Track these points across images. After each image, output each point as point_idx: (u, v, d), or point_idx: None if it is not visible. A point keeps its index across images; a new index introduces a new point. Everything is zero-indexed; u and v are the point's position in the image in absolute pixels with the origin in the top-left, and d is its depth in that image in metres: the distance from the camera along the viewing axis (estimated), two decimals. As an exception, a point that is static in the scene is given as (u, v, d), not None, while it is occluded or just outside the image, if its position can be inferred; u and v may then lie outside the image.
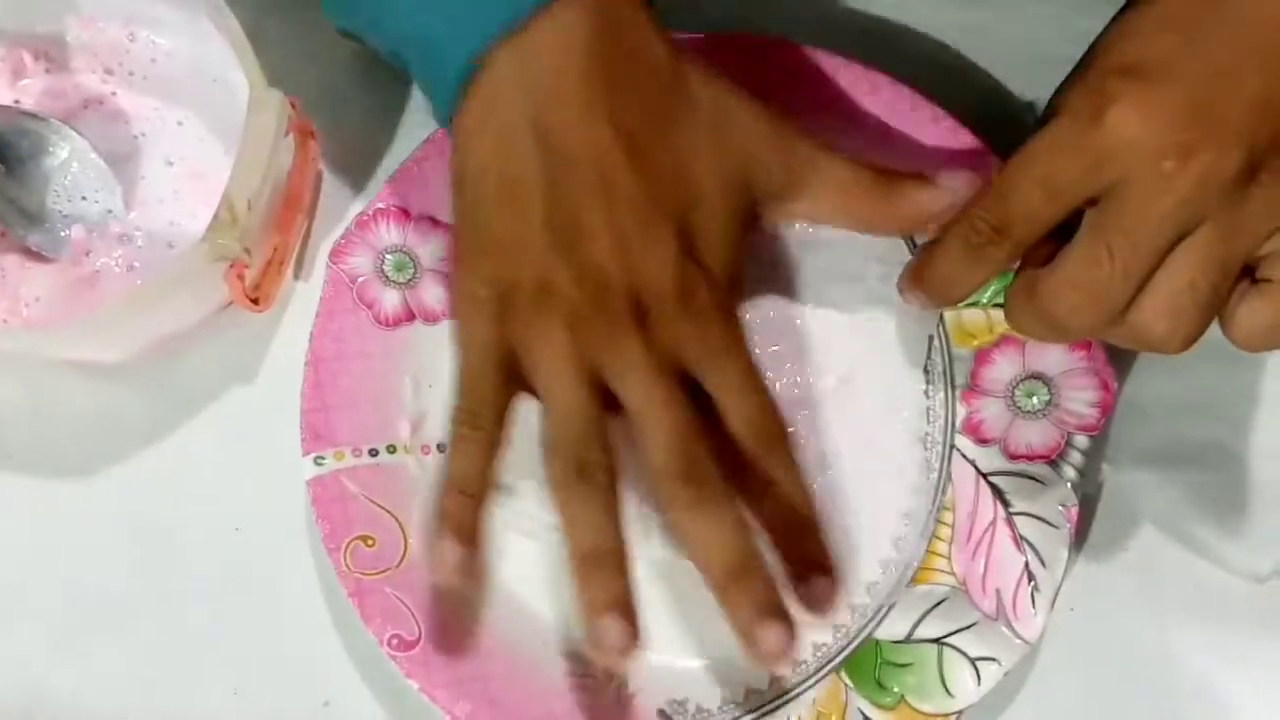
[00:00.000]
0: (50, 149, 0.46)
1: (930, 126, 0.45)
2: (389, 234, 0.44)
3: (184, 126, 0.47)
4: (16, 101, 0.47)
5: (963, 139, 0.44)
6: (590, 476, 0.36)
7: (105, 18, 0.47)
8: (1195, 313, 0.34)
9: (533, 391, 0.38)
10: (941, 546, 0.42)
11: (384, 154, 0.48)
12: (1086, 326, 0.35)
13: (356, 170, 0.48)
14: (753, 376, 0.38)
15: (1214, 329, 0.36)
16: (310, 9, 0.44)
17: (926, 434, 0.43)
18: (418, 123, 0.48)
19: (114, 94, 0.48)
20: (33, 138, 0.46)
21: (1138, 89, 0.33)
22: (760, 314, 0.44)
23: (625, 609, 0.35)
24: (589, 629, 0.35)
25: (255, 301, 0.44)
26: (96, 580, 0.44)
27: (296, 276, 0.47)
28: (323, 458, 0.42)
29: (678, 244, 0.37)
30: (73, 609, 0.44)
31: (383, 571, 0.41)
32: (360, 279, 0.44)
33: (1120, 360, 0.43)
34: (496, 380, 0.37)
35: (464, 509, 0.37)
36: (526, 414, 0.38)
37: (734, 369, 0.37)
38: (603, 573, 0.36)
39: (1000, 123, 0.45)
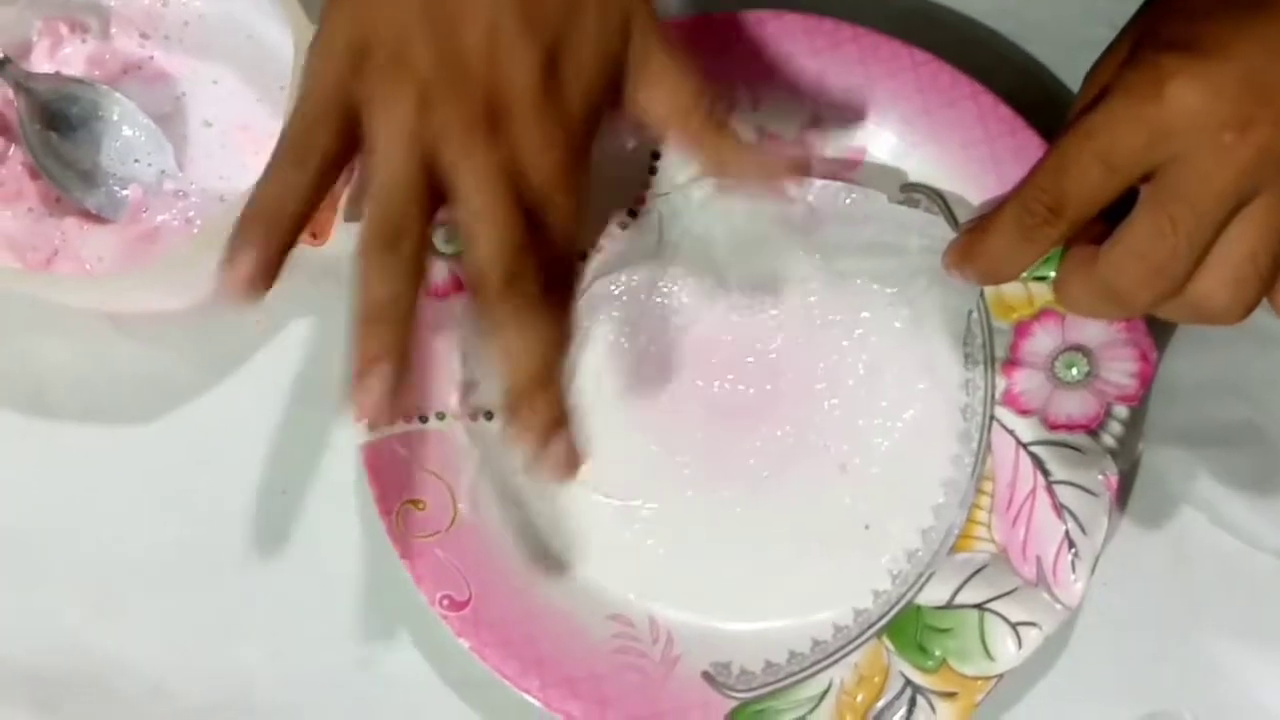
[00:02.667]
0: (100, 113, 0.47)
1: (969, 102, 0.45)
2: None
3: (221, 83, 0.48)
4: (58, 71, 0.48)
5: (1002, 114, 0.45)
6: (397, 247, 0.36)
7: None
8: (1257, 282, 0.35)
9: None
10: (982, 515, 0.43)
11: None
12: (1149, 299, 0.35)
13: None
14: (570, 218, 0.38)
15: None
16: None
17: (966, 405, 0.44)
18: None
19: (152, 58, 0.49)
20: (82, 104, 0.47)
21: (1196, 64, 0.34)
22: (804, 287, 0.45)
23: (396, 363, 0.35)
24: (356, 379, 0.35)
25: (314, 235, 0.45)
26: (139, 540, 0.45)
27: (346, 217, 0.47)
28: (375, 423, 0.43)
29: (546, 57, 0.37)
30: (115, 568, 0.45)
31: (433, 534, 0.42)
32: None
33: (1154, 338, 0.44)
34: (330, 129, 0.37)
35: (268, 229, 0.36)
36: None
37: (562, 201, 0.38)
38: (386, 328, 0.36)
39: (1037, 102, 0.46)
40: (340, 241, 0.46)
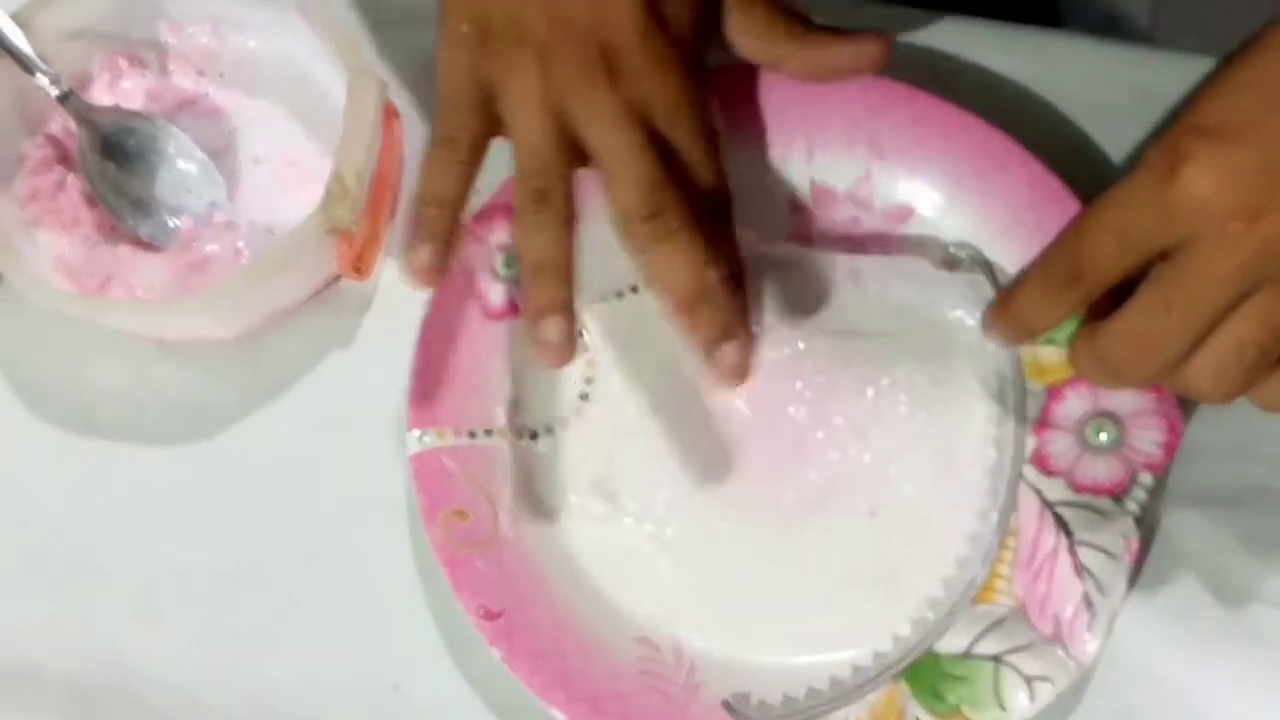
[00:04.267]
0: (156, 146, 0.49)
1: (1020, 170, 0.47)
2: (501, 232, 0.47)
3: (272, 120, 0.50)
4: (117, 105, 0.50)
5: (1051, 185, 0.47)
6: (548, 203, 0.40)
7: (194, 23, 0.50)
8: (1240, 373, 0.35)
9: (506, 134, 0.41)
10: (1004, 569, 0.44)
11: None
12: (1140, 376, 0.36)
13: None
14: (704, 139, 0.41)
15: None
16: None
17: (995, 462, 0.45)
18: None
19: (206, 94, 0.51)
20: (140, 136, 0.49)
21: (1212, 149, 0.34)
22: (839, 340, 0.46)
23: (566, 312, 0.39)
24: (531, 328, 0.39)
25: (358, 270, 0.46)
26: (180, 556, 0.46)
27: (388, 253, 0.49)
28: (426, 434, 0.45)
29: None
30: (154, 583, 0.46)
31: (474, 545, 0.44)
32: (472, 271, 0.47)
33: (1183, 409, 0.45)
34: (471, 110, 0.41)
35: (438, 219, 0.41)
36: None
37: (688, 125, 0.41)
38: (549, 279, 0.40)
39: (1072, 168, 0.47)
40: (381, 276, 0.48)
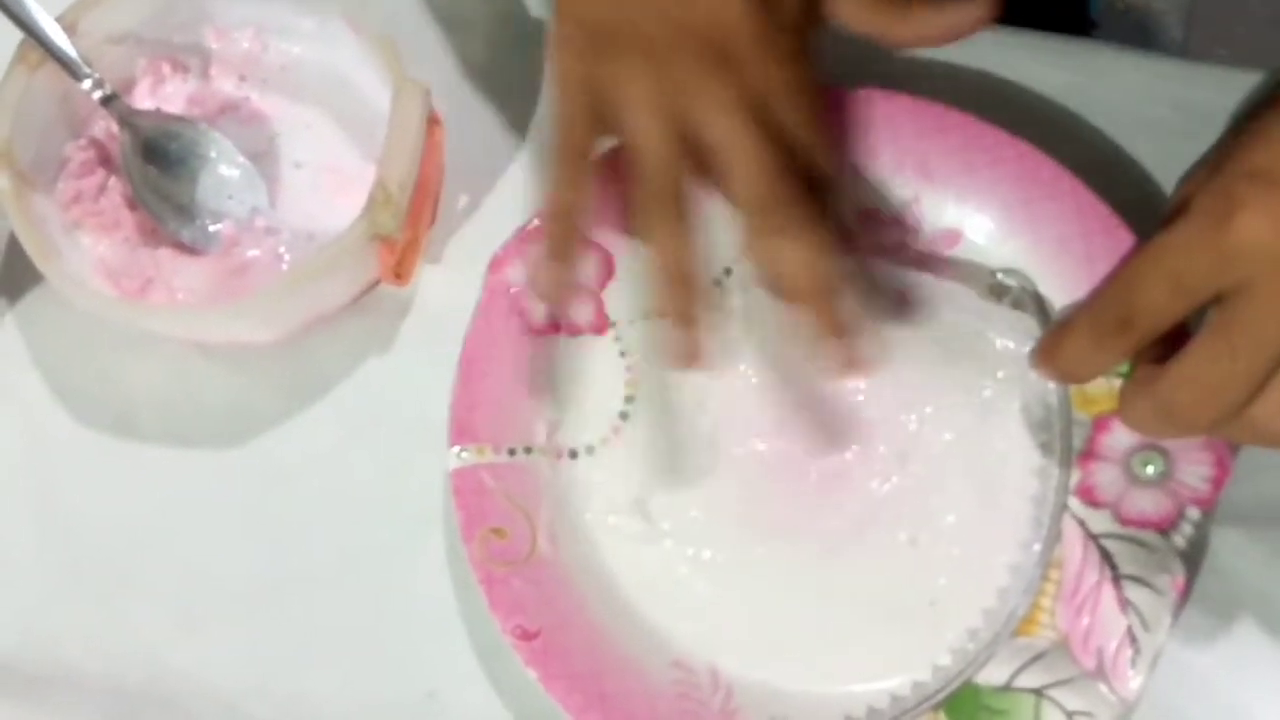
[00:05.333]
0: (198, 151, 0.49)
1: (1069, 198, 0.46)
2: (544, 250, 0.47)
3: (314, 126, 0.50)
4: (159, 109, 0.49)
5: (1099, 211, 0.46)
6: (670, 211, 0.40)
7: (238, 28, 0.50)
8: None
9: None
10: (1046, 601, 0.43)
11: (501, 150, 0.50)
12: (1204, 422, 0.36)
13: (475, 160, 0.50)
14: (817, 127, 0.41)
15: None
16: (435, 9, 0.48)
17: (1039, 492, 0.45)
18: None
19: (248, 99, 0.50)
20: (182, 141, 0.48)
21: (1267, 194, 0.34)
22: (887, 368, 0.46)
23: (700, 314, 0.40)
24: (668, 341, 0.40)
25: (399, 276, 0.46)
26: (221, 562, 0.46)
27: (426, 260, 0.49)
28: (466, 450, 0.44)
29: None
30: (196, 589, 0.46)
31: (511, 563, 0.43)
32: (514, 289, 0.46)
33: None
34: (589, 119, 0.41)
35: (569, 233, 0.42)
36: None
37: (804, 113, 0.40)
38: (681, 290, 0.40)
39: (1112, 181, 0.47)
40: (421, 282, 0.48)
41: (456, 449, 0.44)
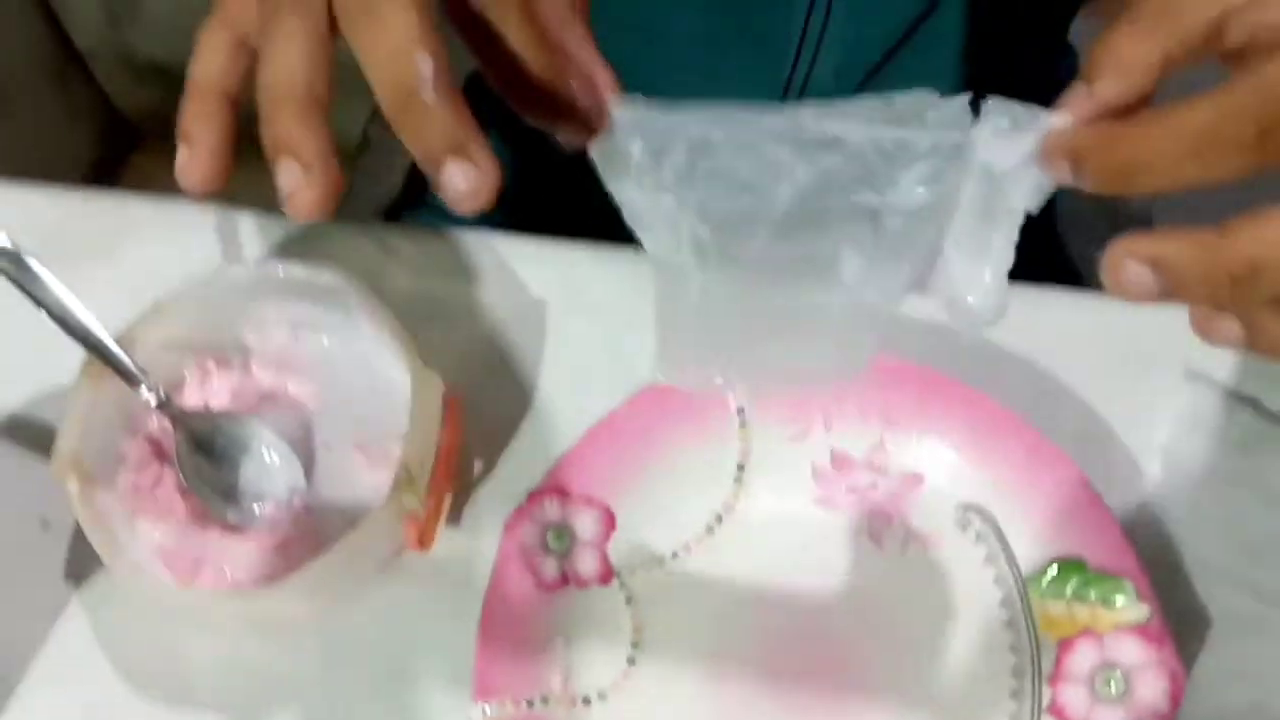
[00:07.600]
0: (242, 441, 0.54)
1: (1014, 438, 0.52)
2: (552, 510, 0.52)
3: (344, 410, 0.55)
4: (206, 403, 0.55)
5: (1046, 449, 0.51)
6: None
7: (274, 325, 0.56)
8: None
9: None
10: (1027, 816, 0.47)
11: (510, 418, 0.56)
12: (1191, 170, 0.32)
13: (489, 427, 0.56)
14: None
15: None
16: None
17: (1014, 714, 0.49)
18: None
19: (285, 387, 0.56)
20: (227, 434, 0.54)
21: None
22: (859, 600, 0.50)
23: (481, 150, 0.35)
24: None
25: (422, 544, 0.51)
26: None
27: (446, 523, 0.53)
28: (489, 705, 0.49)
29: None
30: None
31: (533, 812, 0.47)
32: (527, 547, 0.52)
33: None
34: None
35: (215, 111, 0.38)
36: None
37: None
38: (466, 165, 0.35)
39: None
40: (442, 547, 0.52)
41: (482, 705, 0.49)
